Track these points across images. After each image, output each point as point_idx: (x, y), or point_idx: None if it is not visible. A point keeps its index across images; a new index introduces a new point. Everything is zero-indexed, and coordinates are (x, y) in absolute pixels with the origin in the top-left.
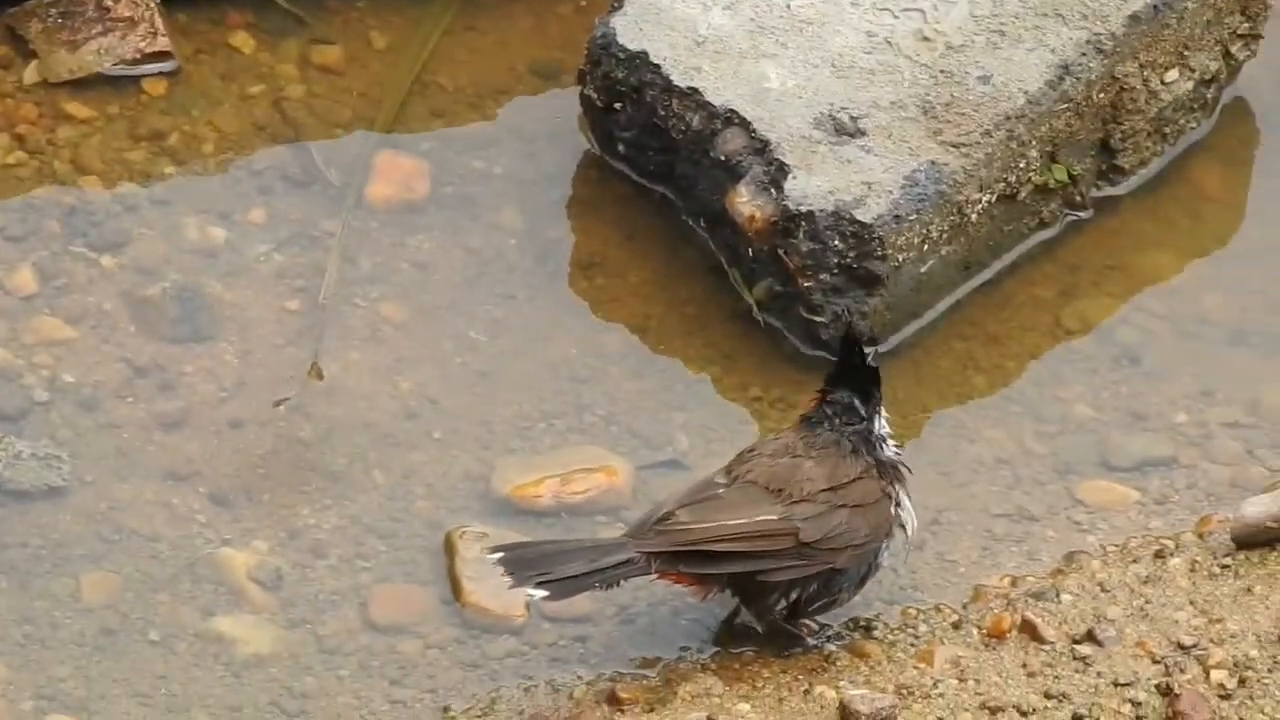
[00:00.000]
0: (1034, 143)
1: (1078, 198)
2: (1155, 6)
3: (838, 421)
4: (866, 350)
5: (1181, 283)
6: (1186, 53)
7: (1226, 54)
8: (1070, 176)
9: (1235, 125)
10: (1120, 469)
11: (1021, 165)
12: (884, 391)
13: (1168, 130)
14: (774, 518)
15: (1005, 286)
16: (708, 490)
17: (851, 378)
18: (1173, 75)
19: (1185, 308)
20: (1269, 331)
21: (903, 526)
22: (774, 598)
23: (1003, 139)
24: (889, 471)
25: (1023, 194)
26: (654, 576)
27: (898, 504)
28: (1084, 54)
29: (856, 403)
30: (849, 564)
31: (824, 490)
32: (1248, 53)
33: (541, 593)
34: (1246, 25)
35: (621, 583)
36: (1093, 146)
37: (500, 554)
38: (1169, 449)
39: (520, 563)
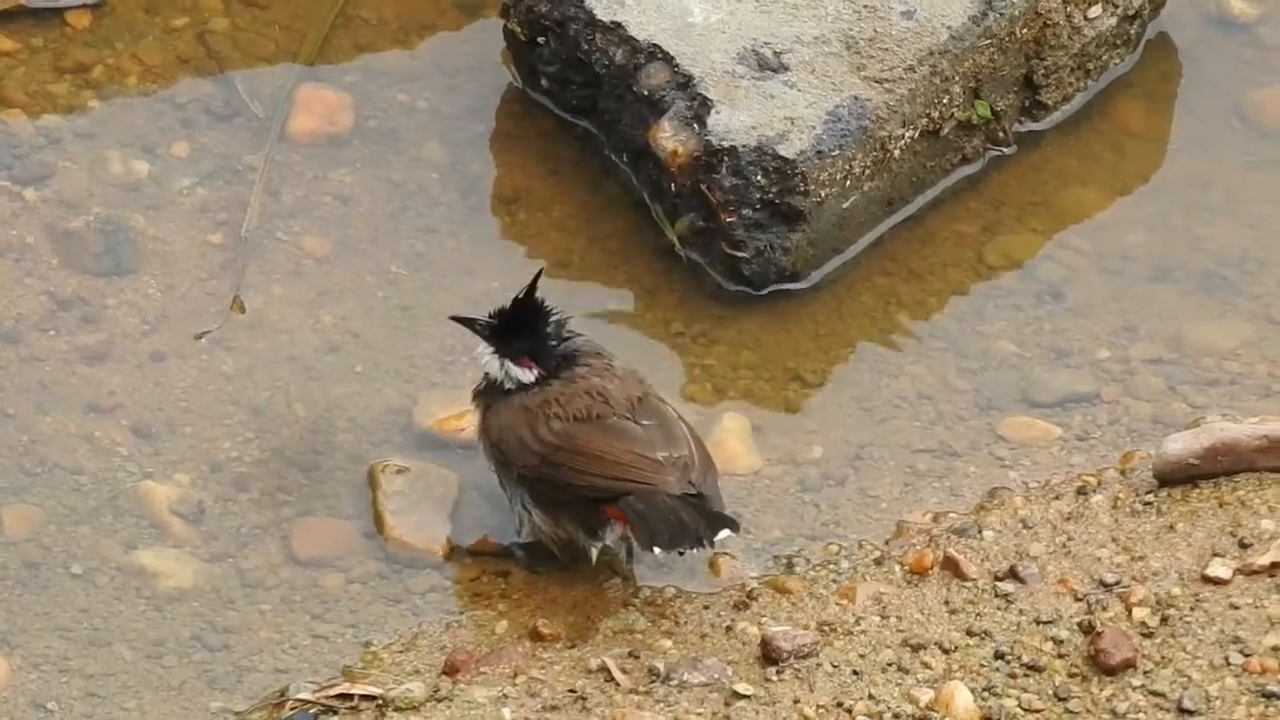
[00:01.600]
0: (957, 78)
1: (1001, 134)
2: None
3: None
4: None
5: (1104, 219)
6: None
7: None
8: (993, 112)
9: (1158, 61)
10: (1043, 405)
11: (945, 101)
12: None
13: (1091, 66)
14: None
15: (928, 222)
16: None
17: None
18: (1096, 11)
19: (1108, 244)
20: (1191, 268)
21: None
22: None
23: (926, 74)
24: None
25: (946, 130)
26: None
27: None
28: None
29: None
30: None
31: None
32: None
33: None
34: None
35: None
36: (1016, 82)
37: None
38: (1091, 385)
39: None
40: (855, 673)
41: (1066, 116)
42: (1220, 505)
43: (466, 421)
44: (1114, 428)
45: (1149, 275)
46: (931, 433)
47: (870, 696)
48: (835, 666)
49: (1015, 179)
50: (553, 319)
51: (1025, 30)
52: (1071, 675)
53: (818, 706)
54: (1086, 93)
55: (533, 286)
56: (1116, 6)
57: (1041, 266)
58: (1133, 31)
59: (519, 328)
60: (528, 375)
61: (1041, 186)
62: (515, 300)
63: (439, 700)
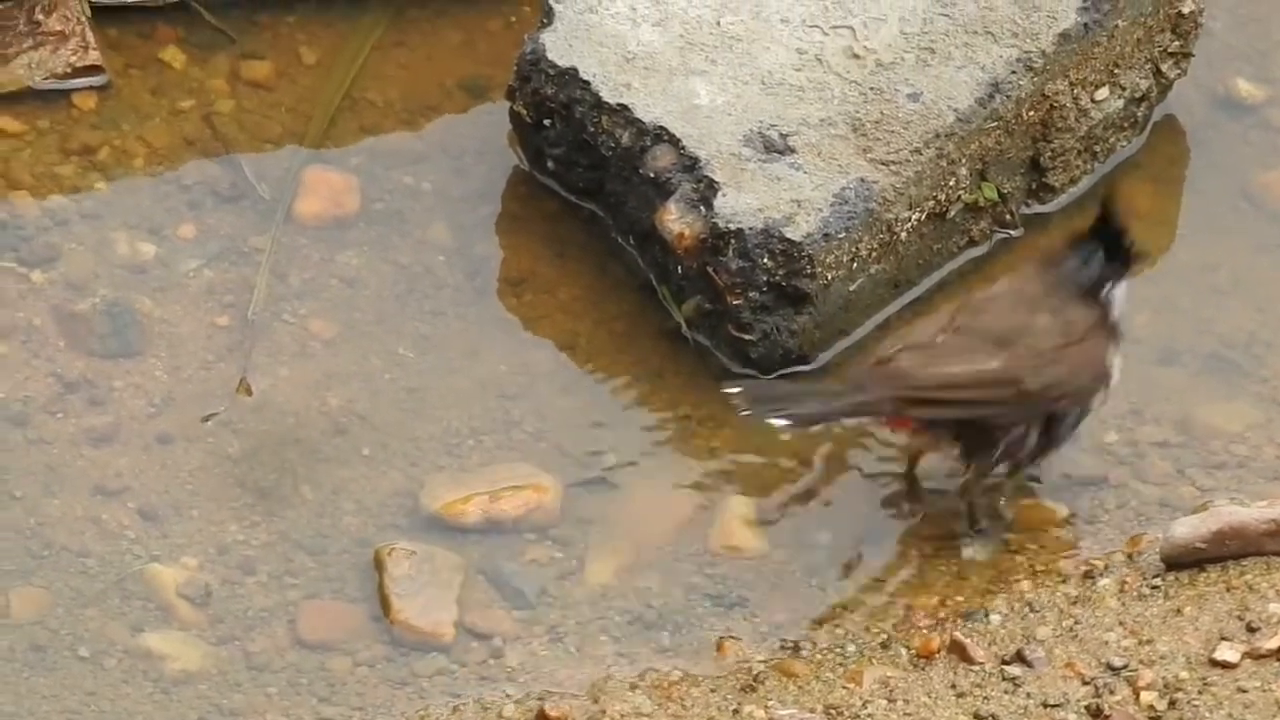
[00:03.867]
0: (964, 160)
1: (1008, 216)
2: (1086, 25)
3: (1073, 265)
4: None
5: None
6: (1117, 71)
7: (1157, 72)
8: (1000, 194)
9: (1166, 144)
10: (1050, 488)
11: (951, 183)
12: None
13: (1098, 148)
14: (998, 367)
15: (935, 305)
16: (928, 336)
17: (1107, 238)
18: (1103, 93)
19: None
20: (1198, 350)
21: (1110, 378)
22: (999, 448)
23: (932, 157)
24: (1112, 329)
25: (952, 212)
26: (885, 420)
27: (1113, 359)
28: (1014, 72)
29: (1099, 258)
30: (1068, 411)
31: (1052, 343)
32: (1178, 71)
33: (783, 422)
34: (1177, 44)
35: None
36: (1022, 164)
37: (739, 389)
38: (1099, 468)
39: (759, 398)
40: None
41: (1073, 199)
42: (1228, 589)
43: (473, 505)
44: (1121, 511)
45: (1156, 358)
46: (938, 516)
47: None
48: None
49: (1022, 261)
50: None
51: (1032, 113)
52: None
53: None
54: (1093, 175)
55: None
56: (1124, 89)
57: None
58: (1140, 114)
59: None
60: None
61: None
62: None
63: None
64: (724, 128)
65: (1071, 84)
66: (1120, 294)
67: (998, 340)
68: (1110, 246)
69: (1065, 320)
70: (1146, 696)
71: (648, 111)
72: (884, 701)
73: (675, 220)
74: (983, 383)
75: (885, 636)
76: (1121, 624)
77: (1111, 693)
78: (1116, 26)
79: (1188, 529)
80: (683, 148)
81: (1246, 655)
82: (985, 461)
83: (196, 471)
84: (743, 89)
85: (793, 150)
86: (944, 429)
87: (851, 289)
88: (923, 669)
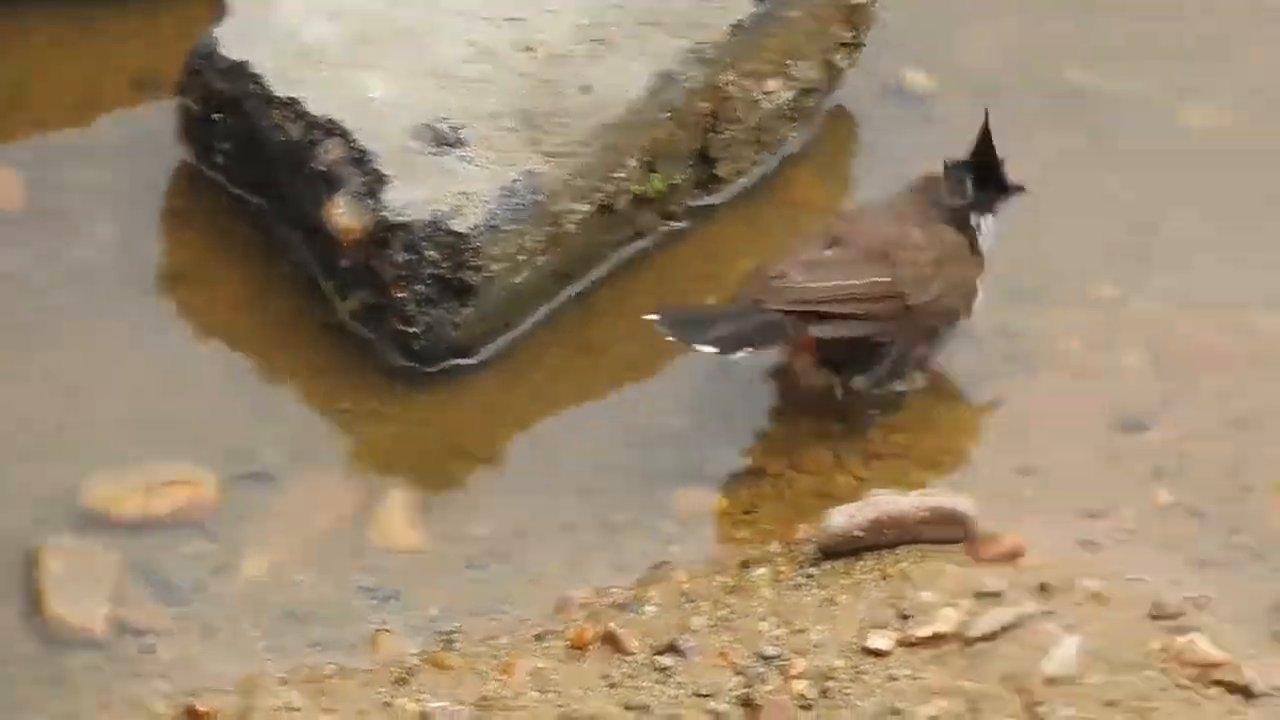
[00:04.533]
0: (633, 152)
1: (674, 208)
2: (759, 16)
3: (943, 191)
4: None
5: None
6: (789, 62)
7: (828, 63)
8: (668, 186)
9: (835, 135)
10: (709, 479)
11: (620, 175)
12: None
13: (767, 139)
14: (886, 279)
15: (601, 297)
16: (813, 252)
17: (978, 165)
18: (774, 84)
19: None
20: None
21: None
22: (885, 362)
23: (601, 149)
24: (980, 255)
25: (620, 204)
26: (790, 341)
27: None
28: (686, 63)
29: (969, 183)
30: (941, 329)
31: (929, 258)
32: (849, 62)
33: (712, 349)
34: (850, 34)
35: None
36: (692, 156)
37: (659, 315)
38: (758, 459)
39: (683, 324)
40: None
41: (742, 190)
42: (883, 577)
43: (131, 502)
44: (779, 502)
45: None
46: (599, 508)
47: None
48: None
49: (689, 253)
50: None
51: (703, 104)
52: None
53: None
54: (762, 166)
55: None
56: (794, 80)
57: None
58: (809, 105)
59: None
60: None
61: (715, 260)
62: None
63: None
64: (395, 121)
65: (742, 75)
66: (989, 225)
67: (880, 254)
68: (981, 175)
69: (940, 239)
70: (798, 685)
71: (318, 105)
72: (536, 693)
73: (342, 214)
74: (874, 295)
75: (540, 629)
76: (775, 613)
77: (763, 682)
78: (789, 18)
79: (845, 518)
80: (353, 141)
81: (899, 643)
82: (871, 380)
83: None
84: (415, 82)
85: (463, 143)
86: (836, 349)
87: (517, 281)
88: (576, 660)
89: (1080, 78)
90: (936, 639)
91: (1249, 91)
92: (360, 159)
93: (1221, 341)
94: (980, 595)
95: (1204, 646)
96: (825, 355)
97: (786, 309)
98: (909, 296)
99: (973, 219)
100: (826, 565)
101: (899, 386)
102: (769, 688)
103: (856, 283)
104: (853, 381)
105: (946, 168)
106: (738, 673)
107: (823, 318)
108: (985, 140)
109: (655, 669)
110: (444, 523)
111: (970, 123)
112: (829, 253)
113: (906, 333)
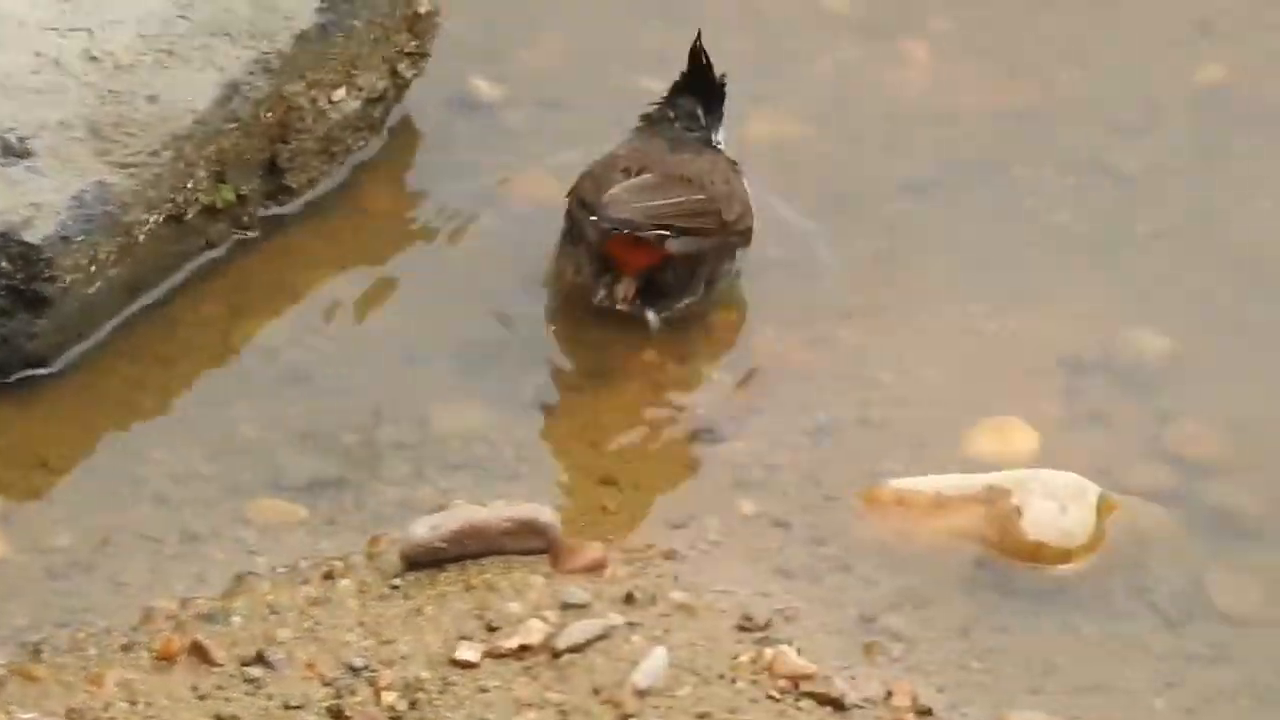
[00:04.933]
0: (202, 163)
1: (245, 218)
2: (323, 25)
3: (678, 126)
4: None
5: (350, 301)
6: (355, 72)
7: (394, 73)
8: (238, 196)
9: (403, 143)
10: (290, 489)
11: (189, 185)
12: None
13: (336, 149)
14: (703, 197)
15: (174, 307)
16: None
17: (696, 88)
18: (340, 94)
19: (353, 327)
20: (438, 350)
21: None
22: (697, 284)
23: (170, 159)
24: (738, 168)
25: (191, 214)
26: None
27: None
28: (252, 73)
29: (699, 111)
30: (744, 245)
31: (721, 178)
32: (415, 71)
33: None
34: (414, 44)
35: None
36: (261, 166)
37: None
38: (338, 469)
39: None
40: None
41: (312, 199)
42: (468, 589)
43: None
44: (361, 512)
45: (397, 358)
46: (179, 518)
47: None
48: None
49: (260, 262)
50: None
51: (270, 114)
52: None
53: None
54: (332, 176)
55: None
56: (361, 90)
57: (287, 350)
58: (377, 115)
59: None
60: None
61: (287, 269)
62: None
63: None
64: None
65: (309, 85)
66: (724, 138)
67: (683, 179)
68: (707, 95)
69: (714, 163)
70: (387, 697)
71: None
72: (125, 704)
73: None
74: (701, 211)
75: (126, 639)
76: (362, 624)
77: (352, 693)
78: (353, 27)
79: (427, 529)
80: None
81: (487, 654)
82: (689, 288)
83: None
84: None
85: (31, 154)
86: (668, 271)
87: (91, 292)
88: (164, 671)
89: (650, 84)
90: (524, 650)
91: (815, 99)
92: None
93: (801, 353)
94: (566, 607)
95: (793, 658)
96: (656, 277)
97: (638, 228)
98: (724, 213)
99: (716, 139)
100: (411, 576)
101: (686, 300)
102: (358, 699)
103: (687, 198)
104: (656, 308)
105: (668, 102)
106: (326, 684)
107: (675, 234)
108: (697, 60)
109: (244, 680)
110: (25, 533)
111: (537, 129)
112: (646, 179)
113: (718, 252)
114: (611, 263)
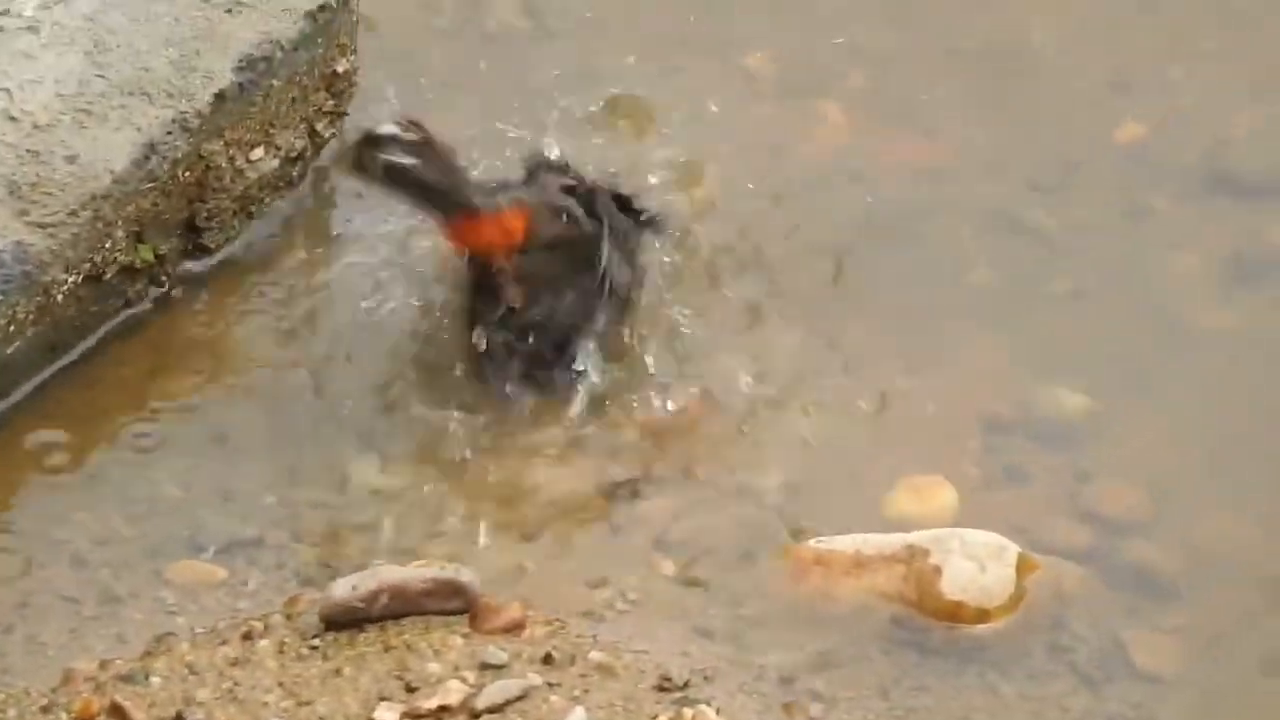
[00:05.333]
0: (120, 222)
1: (164, 277)
2: (241, 85)
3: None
4: None
5: (268, 360)
6: (273, 131)
7: (312, 132)
8: (157, 256)
9: (321, 201)
10: (209, 549)
11: (108, 245)
12: None
13: (254, 208)
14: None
15: (92, 366)
16: None
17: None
18: (259, 153)
19: (271, 386)
20: (356, 408)
21: None
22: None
23: (89, 219)
24: None
25: (109, 274)
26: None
27: None
28: (170, 133)
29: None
30: None
31: None
32: (333, 130)
33: None
34: (332, 103)
35: None
36: (179, 225)
37: None
38: (257, 529)
39: None
40: None
41: (230, 258)
42: (386, 649)
43: None
44: (280, 571)
45: (317, 417)
46: (98, 579)
47: None
48: None
49: (179, 321)
50: None
51: (188, 174)
52: None
53: None
54: (249, 235)
55: None
56: (279, 149)
57: (206, 409)
58: (295, 173)
59: None
60: None
61: (205, 328)
62: None
63: None
64: None
65: (228, 145)
66: None
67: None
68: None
69: None
70: None
71: None
72: None
73: None
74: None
75: (46, 700)
76: (281, 685)
77: None
78: (271, 86)
79: (346, 589)
80: None
81: (406, 715)
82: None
83: None
84: None
85: None
86: None
87: (9, 352)
88: None
89: (567, 145)
90: (443, 711)
91: (731, 159)
92: None
93: (720, 412)
94: (485, 667)
95: (713, 718)
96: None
97: None
98: None
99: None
100: (330, 636)
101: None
102: None
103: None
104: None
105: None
106: None
107: None
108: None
109: None
110: None
111: None
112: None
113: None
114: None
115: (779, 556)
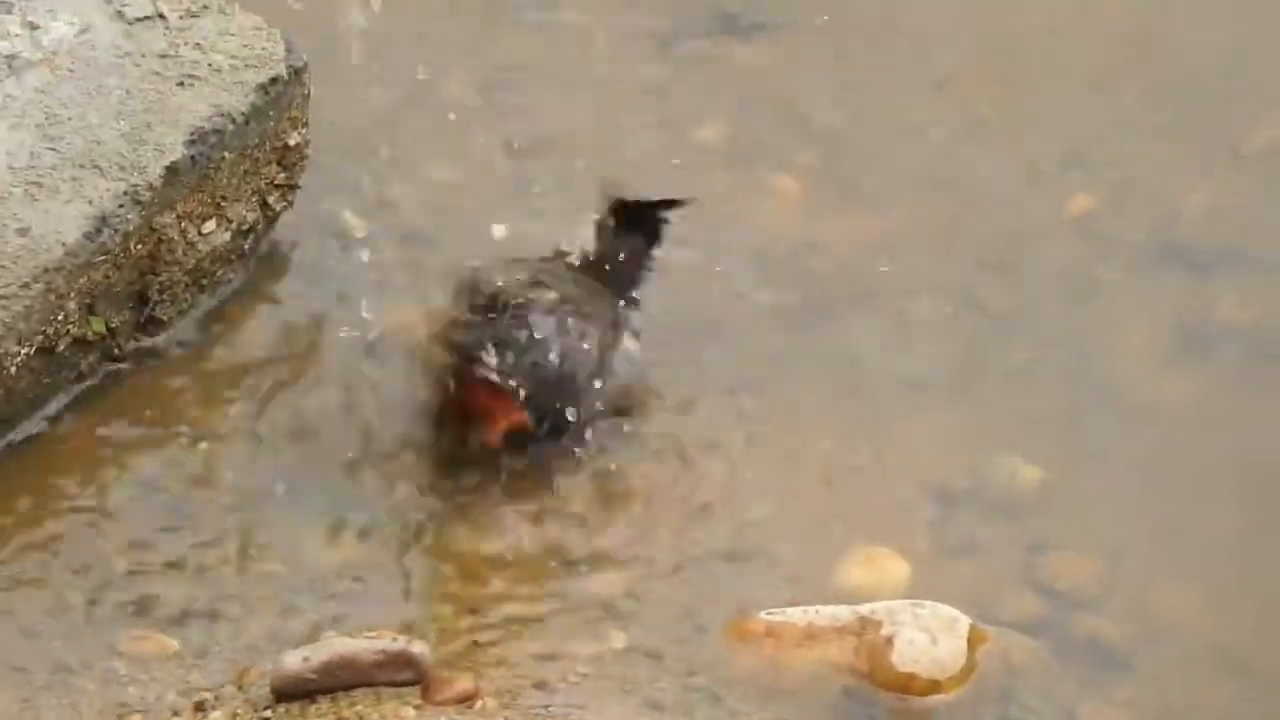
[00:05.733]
0: (73, 295)
1: (116, 350)
2: (193, 158)
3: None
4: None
5: (220, 432)
6: (224, 204)
7: (264, 205)
8: (108, 329)
9: (273, 275)
10: (162, 620)
11: (60, 318)
12: None
13: (206, 281)
14: None
15: (45, 439)
16: None
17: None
18: (210, 226)
19: (224, 458)
20: (308, 480)
21: None
22: None
23: (41, 291)
24: None
25: (62, 346)
26: None
27: None
28: (122, 205)
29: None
30: None
31: None
32: (284, 204)
33: None
34: (284, 176)
35: None
36: (131, 298)
37: None
38: (209, 600)
39: None
40: None
41: (182, 331)
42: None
43: None
44: (233, 643)
45: (269, 489)
46: (50, 650)
47: None
48: None
49: (131, 394)
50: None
51: (140, 246)
52: None
53: None
54: (201, 308)
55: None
56: (231, 222)
57: (158, 481)
58: (247, 246)
59: None
60: None
61: (157, 401)
62: None
63: None
64: None
65: (179, 217)
66: None
67: None
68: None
69: None
70: None
71: None
72: None
73: None
74: None
75: None
76: None
77: None
78: (223, 159)
79: (298, 660)
80: None
81: None
82: None
83: None
84: None
85: None
86: None
87: None
88: None
89: (524, 228)
90: None
91: (685, 230)
92: None
93: (671, 483)
94: None
95: None
96: None
97: None
98: None
99: None
100: (282, 708)
101: None
102: None
103: None
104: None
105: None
106: None
107: None
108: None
109: None
110: None
111: (405, 263)
112: None
113: None
114: None
115: (730, 628)
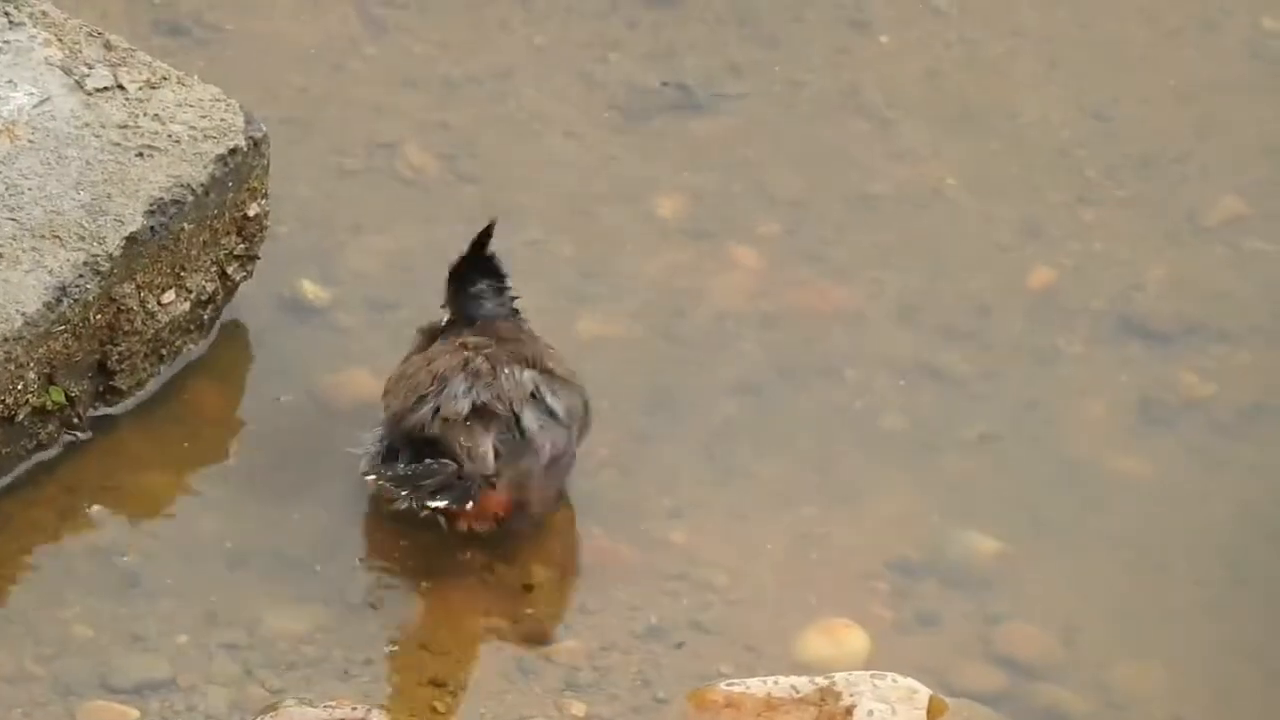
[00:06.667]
0: (32, 364)
1: (75, 419)
2: (153, 228)
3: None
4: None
5: (180, 503)
6: (184, 274)
7: (223, 275)
8: (68, 398)
9: (233, 345)
10: (121, 690)
11: (20, 387)
12: None
13: (165, 351)
14: None
15: (4, 507)
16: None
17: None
18: (170, 296)
19: (184, 528)
20: (267, 550)
21: None
22: None
23: (1, 361)
24: None
25: (21, 415)
26: None
27: None
28: (82, 275)
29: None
30: None
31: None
32: (244, 274)
33: None
34: (243, 246)
35: None
36: (91, 368)
37: None
38: (169, 670)
39: None
40: None
41: (141, 401)
42: None
43: None
44: (192, 713)
45: (229, 559)
46: (9, 719)
47: None
48: None
49: (91, 463)
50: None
51: (99, 316)
52: None
53: None
54: (160, 378)
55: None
56: (190, 292)
57: (118, 551)
58: (206, 316)
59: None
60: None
61: (117, 470)
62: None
63: None
64: None
65: (139, 287)
66: None
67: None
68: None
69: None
70: None
71: None
72: None
73: None
74: None
75: None
76: None
77: None
78: (183, 229)
79: None
80: None
81: None
82: None
83: None
84: None
85: None
86: None
87: None
88: None
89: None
90: None
91: (645, 301)
92: None
93: (631, 554)
94: None
95: None
96: None
97: None
98: None
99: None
100: None
101: None
102: None
103: None
104: None
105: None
106: None
107: None
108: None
109: None
110: None
111: (366, 330)
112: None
113: None
114: None
115: (690, 698)
